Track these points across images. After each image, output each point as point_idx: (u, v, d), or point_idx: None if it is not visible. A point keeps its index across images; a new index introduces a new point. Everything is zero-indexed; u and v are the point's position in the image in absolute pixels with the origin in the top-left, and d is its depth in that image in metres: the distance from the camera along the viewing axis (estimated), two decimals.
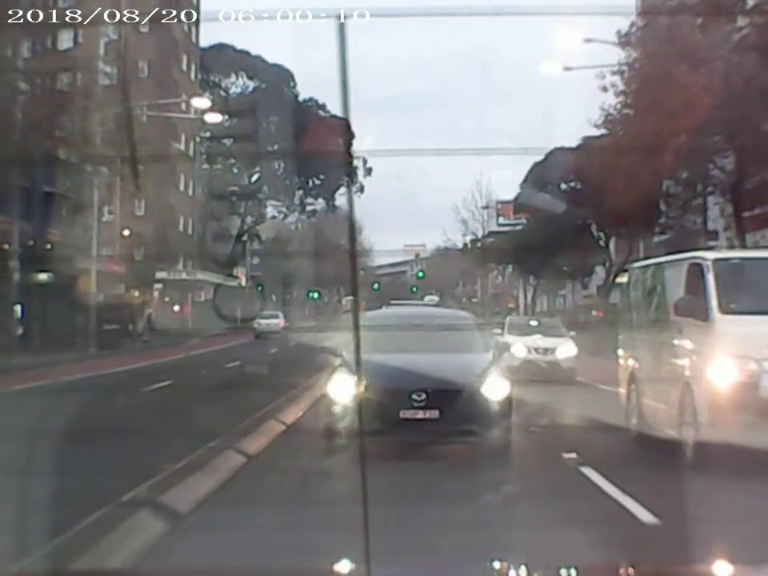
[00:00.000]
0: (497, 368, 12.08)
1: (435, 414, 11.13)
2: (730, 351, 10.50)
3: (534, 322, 27.91)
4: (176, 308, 59.33)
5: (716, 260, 11.39)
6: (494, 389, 11.44)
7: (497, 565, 4.84)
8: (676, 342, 11.76)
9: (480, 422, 11.15)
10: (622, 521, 8.21)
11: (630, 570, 4.29)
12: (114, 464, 10.21)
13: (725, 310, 10.76)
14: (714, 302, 10.82)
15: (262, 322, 50.41)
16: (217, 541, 7.37)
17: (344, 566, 4.63)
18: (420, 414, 11.14)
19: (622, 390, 14.08)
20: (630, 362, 13.92)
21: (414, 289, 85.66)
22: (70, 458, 9.32)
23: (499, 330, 25.98)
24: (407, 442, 11.38)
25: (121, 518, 7.27)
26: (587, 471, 10.38)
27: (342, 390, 11.33)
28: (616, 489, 9.27)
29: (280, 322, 51.57)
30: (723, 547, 6.61)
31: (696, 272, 11.37)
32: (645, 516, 8.15)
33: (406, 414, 11.12)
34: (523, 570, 4.21)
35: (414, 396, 11.13)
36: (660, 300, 12.84)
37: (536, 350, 24.53)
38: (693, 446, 10.74)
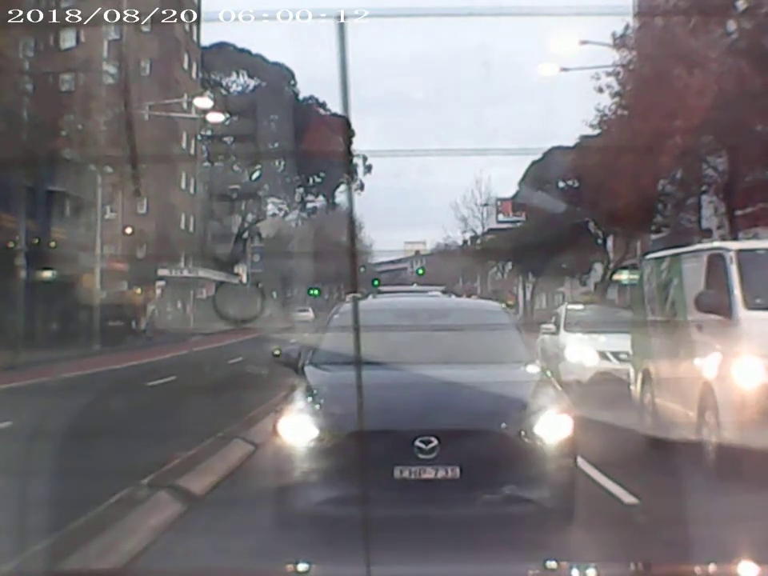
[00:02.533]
0: (553, 390, 8.00)
1: (453, 472, 7.08)
2: (756, 350, 9.70)
3: (603, 312, 19.94)
4: (178, 305, 59.89)
5: (739, 251, 10.47)
6: (550, 426, 7.30)
7: (551, 564, 4.34)
8: (696, 339, 10.85)
9: (528, 483, 7.18)
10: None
11: (631, 570, 4.11)
12: (122, 457, 10.35)
13: (750, 305, 9.91)
14: (738, 297, 9.94)
15: (298, 314, 61.62)
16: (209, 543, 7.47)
17: (344, 566, 4.49)
18: (428, 473, 7.08)
19: (635, 390, 13.16)
20: (644, 360, 12.92)
21: (414, 286, 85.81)
22: (83, 452, 9.74)
23: (551, 326, 19.04)
24: (405, 515, 7.06)
25: (141, 499, 7.70)
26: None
27: (301, 430, 7.31)
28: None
29: (309, 314, 62.78)
30: (726, 547, 6.77)
31: (717, 264, 10.45)
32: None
33: (404, 472, 7.08)
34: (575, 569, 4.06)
35: (419, 443, 7.08)
36: (677, 294, 11.88)
37: (615, 355, 16.74)
38: (714, 449, 9.99)
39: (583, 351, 17.47)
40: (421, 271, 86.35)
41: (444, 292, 11.63)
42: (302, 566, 4.15)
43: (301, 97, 70.97)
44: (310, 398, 7.70)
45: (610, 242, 43.80)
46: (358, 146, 71.69)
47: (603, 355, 16.96)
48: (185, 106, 55.34)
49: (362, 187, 72.74)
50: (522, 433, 7.24)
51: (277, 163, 72.86)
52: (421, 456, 7.06)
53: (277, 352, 9.46)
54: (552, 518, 7.27)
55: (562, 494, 7.29)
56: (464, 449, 7.11)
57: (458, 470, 7.08)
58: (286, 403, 7.74)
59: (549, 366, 9.73)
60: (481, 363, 8.37)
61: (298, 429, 7.32)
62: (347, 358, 7.09)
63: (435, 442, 7.07)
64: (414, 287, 16.58)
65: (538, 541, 7.11)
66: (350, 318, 8.55)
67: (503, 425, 7.32)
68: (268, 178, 71.98)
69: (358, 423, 6.56)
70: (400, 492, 7.09)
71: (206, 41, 69.31)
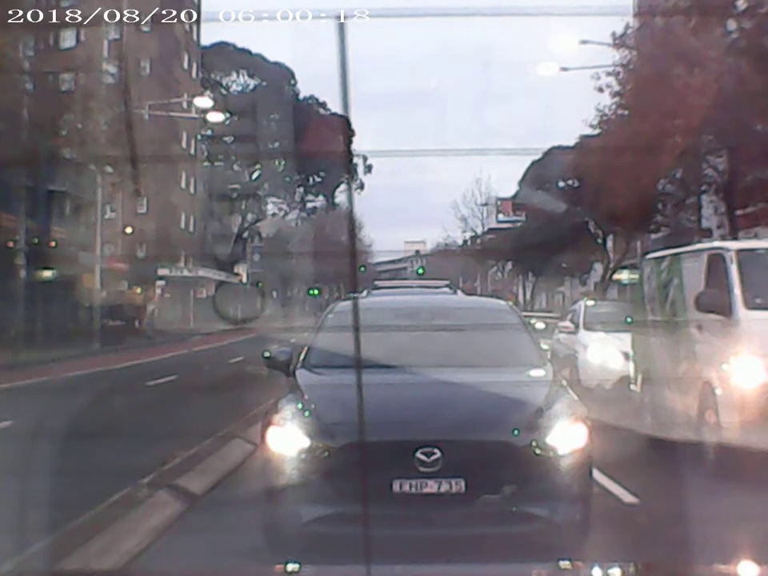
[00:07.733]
0: (567, 396, 7.38)
1: (458, 485, 6.54)
2: (756, 350, 9.71)
3: (625, 309, 16.74)
4: (178, 305, 59.90)
5: (739, 250, 10.49)
6: (564, 436, 6.75)
7: (565, 564, 4.26)
8: (695, 339, 10.88)
9: (539, 499, 6.63)
10: None
11: (631, 570, 4.05)
12: (122, 456, 10.39)
13: (750, 305, 9.92)
14: (738, 297, 9.96)
15: None
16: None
17: (344, 566, 4.43)
18: (430, 487, 6.52)
19: (635, 389, 13.11)
20: (643, 359, 12.92)
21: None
22: (83, 452, 9.78)
23: (568, 324, 17.68)
24: (404, 533, 6.34)
25: (141, 499, 7.74)
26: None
27: (291, 441, 6.74)
28: None
29: None
30: (726, 547, 6.80)
31: (718, 263, 10.47)
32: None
33: (404, 486, 6.52)
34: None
35: (420, 455, 6.51)
36: (677, 294, 11.85)
37: None
38: (714, 448, 9.99)
39: (607, 352, 15.88)
40: (421, 270, 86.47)
41: (449, 287, 10.69)
42: (304, 567, 4.05)
43: (301, 96, 71.02)
44: (300, 405, 7.04)
45: (609, 242, 43.81)
46: (357, 145, 71.86)
47: (629, 356, 14.27)
48: (185, 105, 55.32)
49: (361, 187, 72.83)
50: (534, 443, 6.66)
51: (277, 163, 72.83)
52: (422, 468, 6.48)
53: (267, 354, 8.67)
54: (564, 535, 6.64)
55: (575, 511, 6.72)
56: (470, 460, 6.56)
57: (462, 484, 6.52)
58: (275, 410, 7.08)
59: (563, 369, 8.76)
60: (488, 366, 7.71)
61: (287, 439, 6.72)
62: (342, 360, 6.79)
63: (438, 453, 6.48)
64: (415, 282, 15.19)
65: (537, 540, 7.00)
66: (344, 318, 7.99)
67: (513, 434, 6.71)
68: (268, 178, 71.96)
69: (357, 432, 6.06)
70: (398, 507, 6.44)
71: (206, 41, 69.49)
